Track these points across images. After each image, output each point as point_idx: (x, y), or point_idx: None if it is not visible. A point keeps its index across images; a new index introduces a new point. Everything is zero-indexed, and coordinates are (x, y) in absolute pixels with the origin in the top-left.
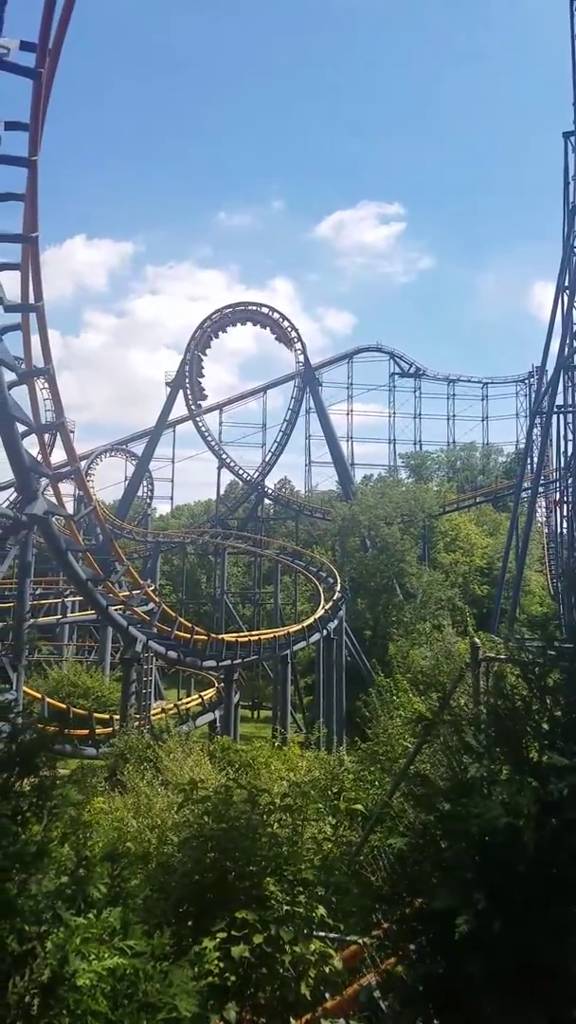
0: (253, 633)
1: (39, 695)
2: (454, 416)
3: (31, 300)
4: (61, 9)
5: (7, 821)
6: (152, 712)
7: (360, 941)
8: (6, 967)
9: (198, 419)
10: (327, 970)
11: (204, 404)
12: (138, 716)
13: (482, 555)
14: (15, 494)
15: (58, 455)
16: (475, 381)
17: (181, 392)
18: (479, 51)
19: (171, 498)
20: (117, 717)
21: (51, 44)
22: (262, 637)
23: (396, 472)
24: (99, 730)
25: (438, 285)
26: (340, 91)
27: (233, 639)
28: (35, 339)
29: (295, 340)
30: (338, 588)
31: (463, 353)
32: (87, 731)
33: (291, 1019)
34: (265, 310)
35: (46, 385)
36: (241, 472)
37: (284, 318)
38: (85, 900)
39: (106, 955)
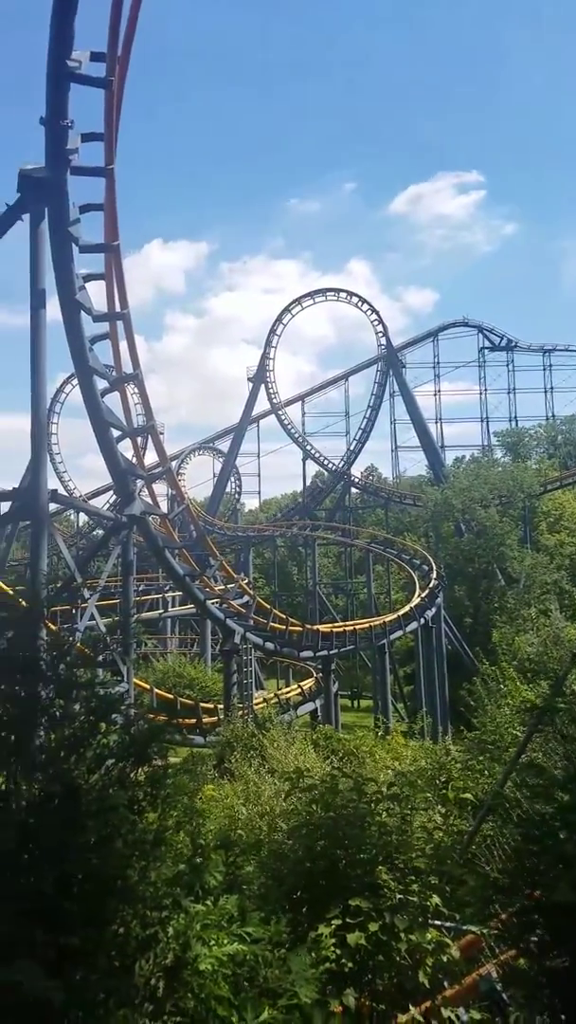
0: (348, 623)
1: (148, 686)
2: (552, 388)
3: (117, 308)
4: (127, 18)
5: (125, 810)
6: (254, 702)
7: (477, 931)
8: (132, 950)
9: (280, 412)
10: (444, 959)
11: (285, 396)
12: (241, 706)
13: None
14: (114, 496)
15: (150, 457)
16: (573, 349)
17: (263, 386)
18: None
19: (258, 492)
20: (221, 707)
21: (119, 52)
22: (357, 627)
23: (490, 452)
24: (205, 719)
25: (525, 251)
26: (404, 64)
27: (328, 629)
28: (123, 346)
29: (375, 322)
30: (434, 575)
31: (558, 321)
32: (194, 720)
33: (410, 1006)
34: (343, 295)
35: (136, 390)
36: (326, 462)
37: (363, 301)
38: (202, 887)
39: (225, 941)
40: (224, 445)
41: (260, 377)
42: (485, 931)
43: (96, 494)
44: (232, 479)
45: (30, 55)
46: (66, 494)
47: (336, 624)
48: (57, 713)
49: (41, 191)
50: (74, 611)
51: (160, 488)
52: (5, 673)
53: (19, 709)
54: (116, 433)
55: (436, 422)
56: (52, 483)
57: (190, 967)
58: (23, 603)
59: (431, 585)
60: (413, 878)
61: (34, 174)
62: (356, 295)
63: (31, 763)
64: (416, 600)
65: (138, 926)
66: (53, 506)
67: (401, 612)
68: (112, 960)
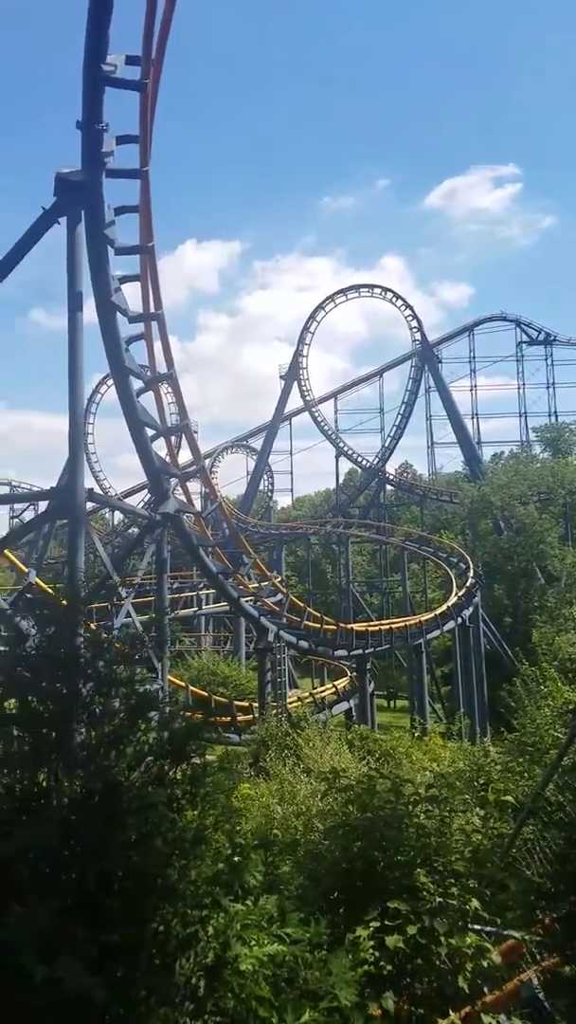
0: (383, 622)
1: (182, 684)
2: None
3: (152, 309)
4: (161, 20)
5: (164, 808)
6: (288, 700)
7: (519, 936)
8: (172, 949)
9: (313, 409)
10: (484, 964)
11: (318, 393)
12: (275, 704)
13: None
14: (148, 495)
15: (184, 455)
16: None
17: (296, 384)
18: None
19: (291, 490)
20: (255, 704)
21: (153, 55)
22: (393, 626)
23: (529, 447)
24: (240, 717)
25: (564, 244)
26: (438, 56)
27: (363, 628)
28: (157, 346)
29: (410, 318)
30: (471, 574)
31: None
32: (228, 718)
33: (450, 1011)
34: (377, 291)
35: (170, 389)
36: (360, 459)
37: (397, 296)
38: (241, 887)
39: (266, 941)
40: (257, 443)
41: (293, 374)
42: (527, 936)
43: (130, 493)
44: (265, 477)
45: (56, 62)
46: (102, 493)
47: (371, 623)
48: (97, 710)
49: (77, 194)
50: (110, 609)
51: (194, 486)
52: (46, 670)
53: (59, 706)
54: (151, 432)
55: (473, 418)
56: (88, 482)
57: (230, 967)
58: (62, 601)
59: (468, 584)
60: (452, 881)
61: (70, 177)
62: (390, 290)
63: (72, 760)
64: (453, 599)
65: (178, 924)
66: (89, 505)
67: (438, 611)
68: (153, 958)
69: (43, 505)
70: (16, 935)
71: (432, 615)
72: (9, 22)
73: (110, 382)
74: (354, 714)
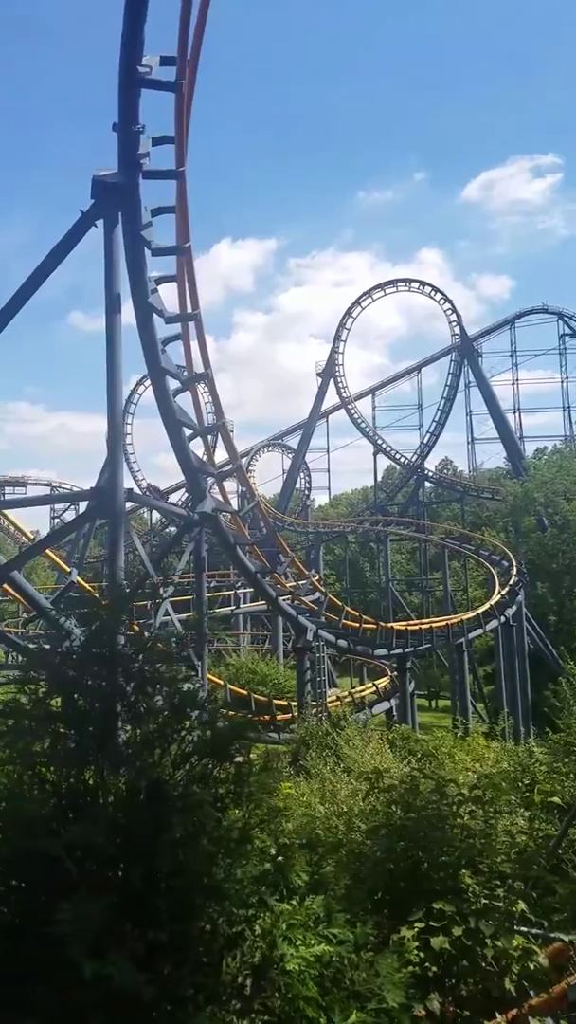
0: (424, 621)
1: (221, 682)
2: None
3: (188, 309)
4: (195, 21)
5: (209, 807)
6: (328, 699)
7: (566, 939)
8: (219, 947)
9: (350, 406)
10: (531, 966)
11: (355, 390)
12: (314, 703)
13: None
14: (186, 494)
15: (220, 454)
16: None
17: (332, 381)
18: None
19: (328, 488)
20: (294, 703)
21: (189, 55)
22: (434, 625)
23: (573, 442)
24: (278, 716)
25: None
26: (473, 47)
27: (403, 627)
28: (194, 345)
29: (449, 311)
30: (514, 572)
31: None
32: (268, 717)
33: (496, 1013)
34: (415, 285)
35: (206, 389)
36: (398, 456)
37: (435, 290)
38: (287, 886)
39: (312, 941)
40: (293, 441)
41: (329, 371)
42: (574, 940)
43: (167, 492)
44: (302, 475)
45: (89, 66)
46: (140, 492)
47: (411, 622)
48: (141, 708)
49: (114, 196)
50: (148, 607)
51: (230, 485)
52: (89, 668)
53: (103, 704)
54: (188, 432)
55: (515, 412)
56: (127, 482)
57: (277, 967)
58: (104, 600)
59: (511, 582)
60: (498, 883)
61: (107, 180)
62: (428, 284)
63: (117, 758)
64: (496, 597)
65: (225, 923)
66: (128, 504)
67: (480, 610)
68: (200, 956)
69: (83, 505)
70: (66, 931)
71: (474, 614)
72: (42, 29)
73: (147, 383)
74: (395, 714)
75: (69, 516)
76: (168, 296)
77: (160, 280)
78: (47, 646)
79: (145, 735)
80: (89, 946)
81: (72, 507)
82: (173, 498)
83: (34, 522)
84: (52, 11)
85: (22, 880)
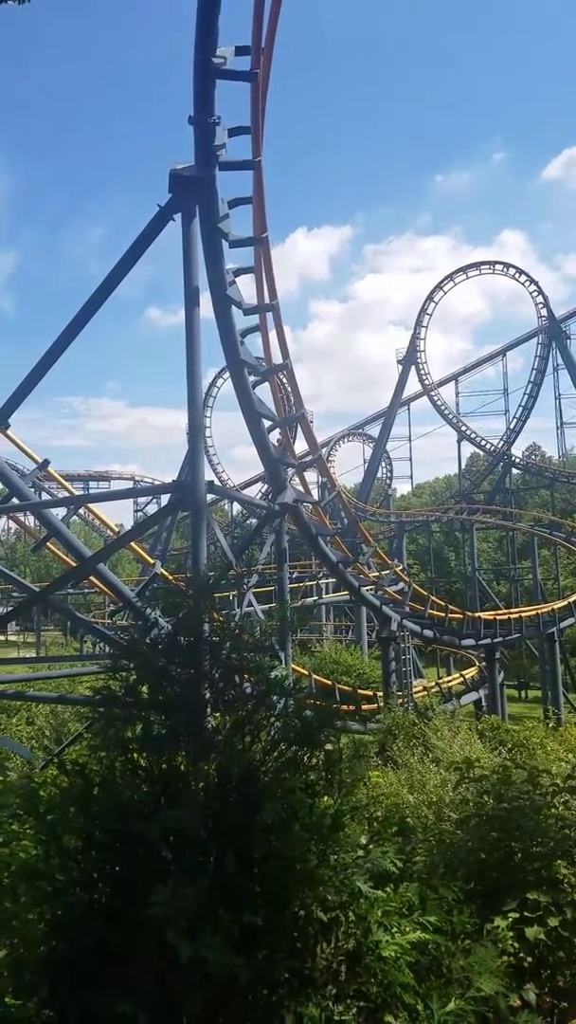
0: (512, 610)
1: (306, 671)
2: None
3: (266, 300)
4: (269, 10)
5: (301, 793)
6: (414, 690)
7: None
8: (313, 933)
9: (433, 393)
10: None
11: (437, 377)
12: (400, 693)
13: None
14: (266, 486)
15: (300, 445)
16: None
17: (413, 368)
18: None
19: (410, 477)
20: (380, 694)
21: (263, 43)
22: (523, 614)
23: None
24: (364, 706)
25: None
26: (549, 22)
27: (491, 617)
28: (271, 337)
29: (535, 293)
30: None
31: None
32: (353, 707)
33: None
34: (499, 267)
35: (285, 380)
36: (483, 443)
37: (520, 272)
38: (380, 874)
39: (407, 928)
40: (373, 430)
41: (410, 358)
42: None
43: (246, 485)
44: (383, 464)
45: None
46: (221, 485)
47: (499, 611)
48: (229, 695)
49: (191, 190)
50: (231, 598)
51: (311, 476)
52: (178, 655)
53: (191, 690)
54: (267, 423)
55: None
56: (207, 474)
57: (372, 953)
58: (189, 591)
59: None
60: None
61: (184, 173)
62: (512, 266)
63: (208, 744)
64: None
65: (319, 909)
66: (209, 496)
67: (572, 599)
68: (294, 942)
69: (165, 498)
70: (162, 914)
71: (566, 603)
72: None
73: (226, 375)
74: (484, 704)
75: (151, 509)
76: (245, 288)
77: (237, 272)
78: (135, 635)
79: (235, 721)
80: (185, 929)
81: (154, 500)
82: (251, 490)
83: (118, 515)
84: (130, 8)
85: (117, 864)
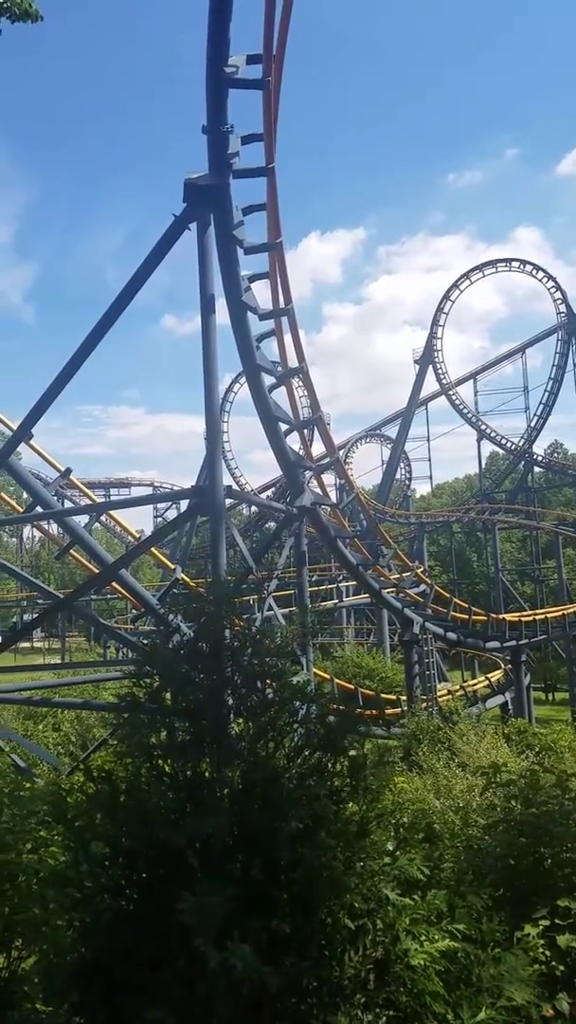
0: (538, 611)
1: (328, 676)
2: None
3: (281, 304)
4: (280, 18)
5: (326, 800)
6: (438, 694)
7: None
8: (341, 941)
9: (451, 392)
10: None
11: (455, 376)
12: (424, 697)
13: None
14: (279, 488)
15: (317, 448)
16: None
17: (430, 367)
18: None
19: (430, 477)
20: (403, 698)
21: (275, 50)
22: (548, 615)
23: None
24: (387, 710)
25: None
26: (559, 13)
27: (516, 618)
28: (287, 340)
29: (553, 289)
30: None
31: None
32: (376, 711)
33: None
34: (515, 264)
35: (301, 383)
36: (504, 442)
37: (537, 268)
38: (408, 881)
39: (436, 937)
40: (391, 431)
41: (427, 358)
42: None
43: (263, 488)
44: (401, 465)
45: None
46: (239, 489)
47: (524, 612)
48: (252, 701)
49: (206, 198)
50: (251, 602)
51: (328, 478)
52: (200, 661)
53: (213, 697)
54: (284, 427)
55: None
56: (225, 479)
57: (401, 961)
58: (209, 596)
59: None
60: None
61: (199, 182)
62: (529, 263)
63: (231, 750)
64: None
65: (346, 917)
66: (228, 501)
67: None
68: (322, 949)
69: (184, 503)
70: (190, 921)
71: None
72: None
73: (242, 380)
74: (510, 708)
75: (171, 515)
76: (259, 294)
77: (252, 278)
78: (157, 641)
79: (258, 728)
80: (213, 936)
81: (174, 506)
82: (268, 494)
83: (138, 521)
84: (141, 17)
85: (144, 871)
